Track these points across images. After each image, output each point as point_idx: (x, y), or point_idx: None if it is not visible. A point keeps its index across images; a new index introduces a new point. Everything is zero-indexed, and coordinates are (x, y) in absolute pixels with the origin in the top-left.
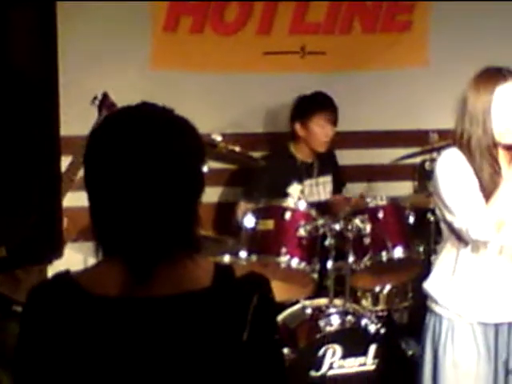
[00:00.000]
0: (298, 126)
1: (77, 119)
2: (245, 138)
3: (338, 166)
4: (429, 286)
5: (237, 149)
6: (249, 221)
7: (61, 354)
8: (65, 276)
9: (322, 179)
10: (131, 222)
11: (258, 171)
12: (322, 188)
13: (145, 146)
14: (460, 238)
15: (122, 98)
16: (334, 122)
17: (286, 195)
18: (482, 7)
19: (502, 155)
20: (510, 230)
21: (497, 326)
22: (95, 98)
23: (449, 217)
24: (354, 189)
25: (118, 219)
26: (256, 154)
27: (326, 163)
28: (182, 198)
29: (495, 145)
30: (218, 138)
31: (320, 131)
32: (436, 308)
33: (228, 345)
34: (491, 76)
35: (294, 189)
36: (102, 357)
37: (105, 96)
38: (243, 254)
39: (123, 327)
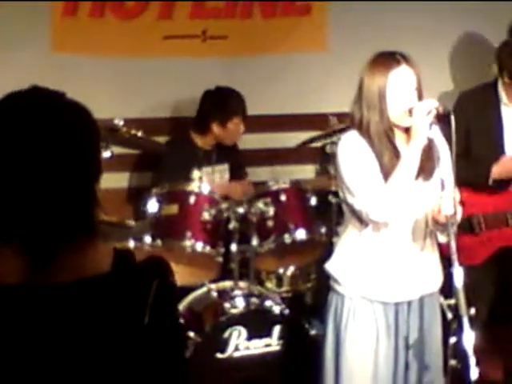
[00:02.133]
0: (214, 126)
1: None
2: (147, 122)
3: (239, 152)
4: (331, 266)
5: (139, 133)
6: (153, 206)
7: None
8: None
9: (219, 167)
10: (27, 207)
11: (162, 157)
12: (218, 175)
13: (34, 129)
14: (361, 220)
15: (23, 84)
16: (245, 120)
17: (189, 180)
18: None
19: (399, 138)
20: (409, 210)
21: (397, 305)
22: None
23: (349, 198)
24: (257, 173)
25: (13, 204)
26: (160, 139)
27: (225, 151)
28: (77, 180)
29: (392, 128)
30: (120, 123)
31: (237, 131)
32: (338, 288)
33: (129, 329)
34: (385, 60)
35: (194, 175)
36: (1, 346)
37: None
38: (148, 238)
39: (23, 315)
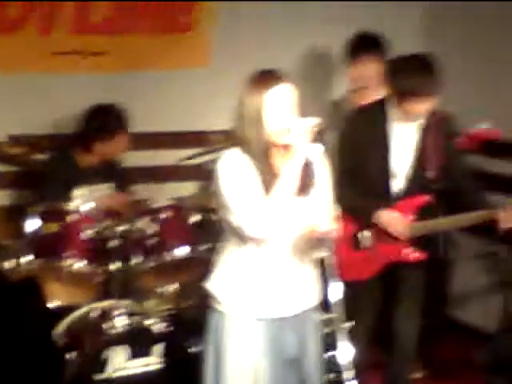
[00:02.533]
0: (97, 143)
1: None
2: (27, 140)
3: (122, 170)
4: (210, 284)
5: (19, 151)
6: (32, 224)
7: None
8: None
9: (103, 186)
10: None
11: (43, 175)
12: (100, 194)
13: None
14: (240, 237)
15: None
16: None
17: (71, 198)
18: (264, 7)
19: (278, 155)
20: (288, 226)
21: (276, 321)
22: None
23: (228, 215)
24: (138, 190)
25: None
26: (42, 156)
27: (108, 170)
28: None
29: (271, 145)
30: (3, 140)
31: (121, 145)
32: (217, 306)
33: (2, 351)
34: (263, 79)
35: (77, 193)
36: None
37: None
38: (27, 258)
39: None
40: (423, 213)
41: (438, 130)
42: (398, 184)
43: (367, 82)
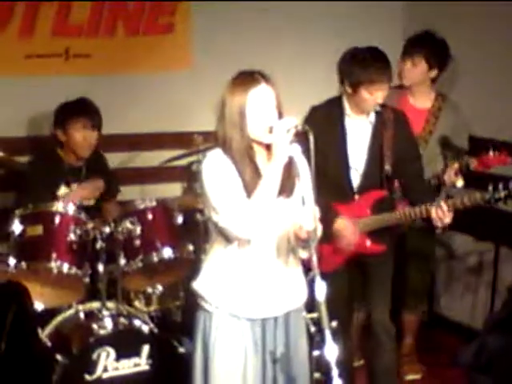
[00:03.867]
0: (59, 133)
1: None
2: (7, 142)
3: (109, 170)
4: (197, 284)
5: (0, 153)
6: (17, 227)
7: None
8: None
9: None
10: None
11: (27, 175)
12: None
13: None
14: (226, 237)
15: None
16: (94, 126)
17: (56, 198)
18: (247, 7)
19: (261, 155)
20: (272, 226)
21: (263, 321)
22: None
23: (214, 216)
24: (124, 192)
25: None
26: (21, 159)
27: (94, 168)
28: None
29: (252, 146)
30: None
31: (78, 136)
32: (205, 305)
33: None
34: (244, 79)
35: (62, 192)
36: None
37: None
38: (12, 261)
39: None
40: (380, 207)
41: (390, 125)
42: (355, 179)
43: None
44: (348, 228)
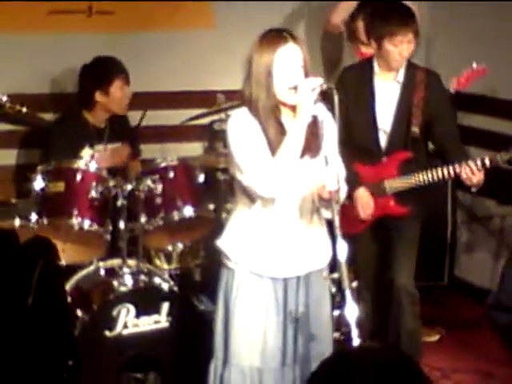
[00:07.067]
0: (98, 94)
1: None
2: (31, 99)
3: (132, 130)
4: (221, 242)
5: (24, 109)
6: (38, 183)
7: None
8: None
9: (112, 145)
10: None
11: (52, 134)
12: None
13: None
14: (250, 196)
15: None
16: (129, 83)
17: (78, 158)
18: None
19: (286, 115)
20: (296, 186)
21: (285, 281)
22: None
23: (238, 175)
24: (145, 150)
25: None
26: (45, 116)
27: (117, 129)
28: None
29: (278, 105)
30: (4, 98)
31: (121, 94)
32: (228, 263)
33: (13, 311)
34: (272, 38)
35: (86, 153)
36: None
37: None
38: (34, 217)
39: None
40: (406, 168)
41: (421, 86)
42: (383, 140)
43: None
44: (363, 198)
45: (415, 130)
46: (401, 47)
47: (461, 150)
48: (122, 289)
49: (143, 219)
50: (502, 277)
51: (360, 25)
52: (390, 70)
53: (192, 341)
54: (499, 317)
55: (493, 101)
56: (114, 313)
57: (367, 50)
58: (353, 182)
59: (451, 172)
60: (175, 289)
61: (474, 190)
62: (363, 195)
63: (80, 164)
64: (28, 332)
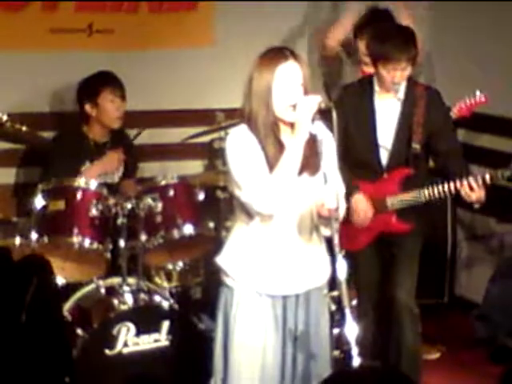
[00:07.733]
0: (87, 107)
1: None
2: (31, 117)
3: (133, 147)
4: (221, 260)
5: (24, 128)
6: (39, 201)
7: None
8: None
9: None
10: None
11: (51, 150)
12: None
13: None
14: (249, 213)
15: None
16: (123, 97)
17: (78, 175)
18: None
19: (285, 132)
20: (294, 204)
21: (285, 298)
22: None
23: (237, 191)
24: (145, 168)
25: None
26: (45, 134)
27: (118, 144)
28: None
29: (277, 122)
30: (4, 117)
31: (110, 106)
32: (227, 281)
33: (6, 327)
34: (273, 55)
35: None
36: None
37: None
38: (34, 235)
39: None
40: (407, 185)
41: (422, 102)
42: (384, 157)
43: None
44: (362, 203)
45: (416, 146)
46: (393, 73)
47: (461, 167)
48: (123, 307)
49: (143, 237)
50: (486, 290)
51: (362, 45)
52: (387, 91)
53: (192, 359)
54: (480, 328)
55: (495, 119)
56: (115, 331)
57: (369, 70)
58: (349, 191)
59: (452, 188)
60: (175, 307)
61: (476, 206)
62: (361, 200)
63: (80, 182)
64: (21, 348)
